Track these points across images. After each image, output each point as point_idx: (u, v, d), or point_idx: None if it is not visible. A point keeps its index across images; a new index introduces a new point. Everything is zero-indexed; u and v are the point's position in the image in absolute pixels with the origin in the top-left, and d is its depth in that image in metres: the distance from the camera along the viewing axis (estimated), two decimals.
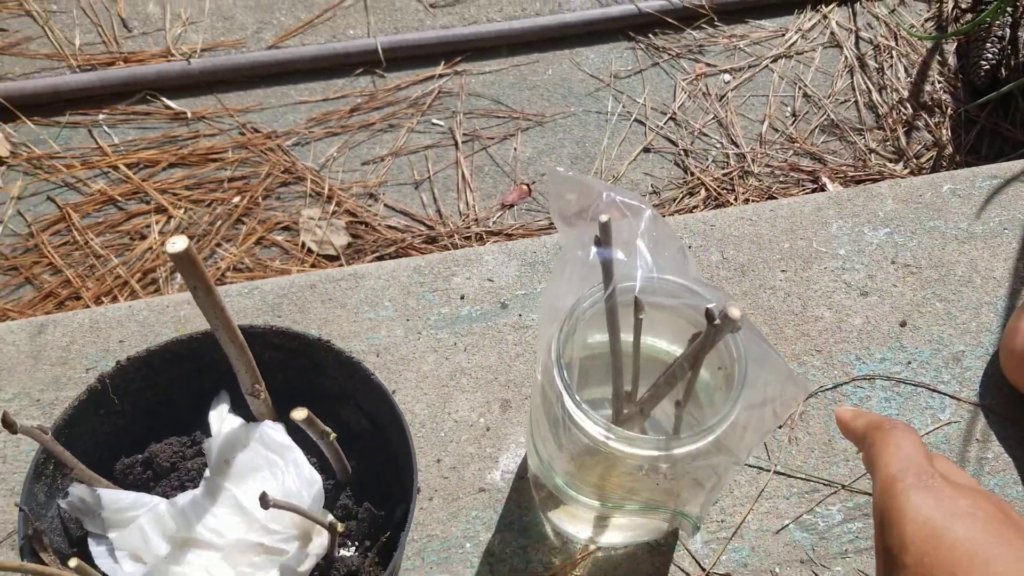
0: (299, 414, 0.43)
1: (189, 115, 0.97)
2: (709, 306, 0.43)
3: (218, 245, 0.90)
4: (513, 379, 0.70)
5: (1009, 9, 0.99)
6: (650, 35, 1.06)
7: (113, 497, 0.50)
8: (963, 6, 1.08)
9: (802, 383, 0.44)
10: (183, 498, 0.51)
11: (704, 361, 0.50)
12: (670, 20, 1.06)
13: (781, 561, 0.64)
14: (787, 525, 0.66)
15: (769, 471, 0.68)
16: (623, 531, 0.62)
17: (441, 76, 1.01)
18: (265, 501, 0.39)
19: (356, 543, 0.52)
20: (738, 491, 0.67)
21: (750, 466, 0.68)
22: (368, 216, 0.92)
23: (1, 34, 1.01)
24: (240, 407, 0.54)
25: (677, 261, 0.47)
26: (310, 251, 0.89)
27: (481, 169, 0.96)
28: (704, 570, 0.64)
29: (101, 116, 0.96)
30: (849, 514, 0.66)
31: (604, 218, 0.47)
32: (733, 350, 0.49)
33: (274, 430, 0.52)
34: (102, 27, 1.02)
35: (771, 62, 1.04)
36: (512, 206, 0.94)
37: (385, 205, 0.93)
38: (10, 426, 0.41)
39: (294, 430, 0.50)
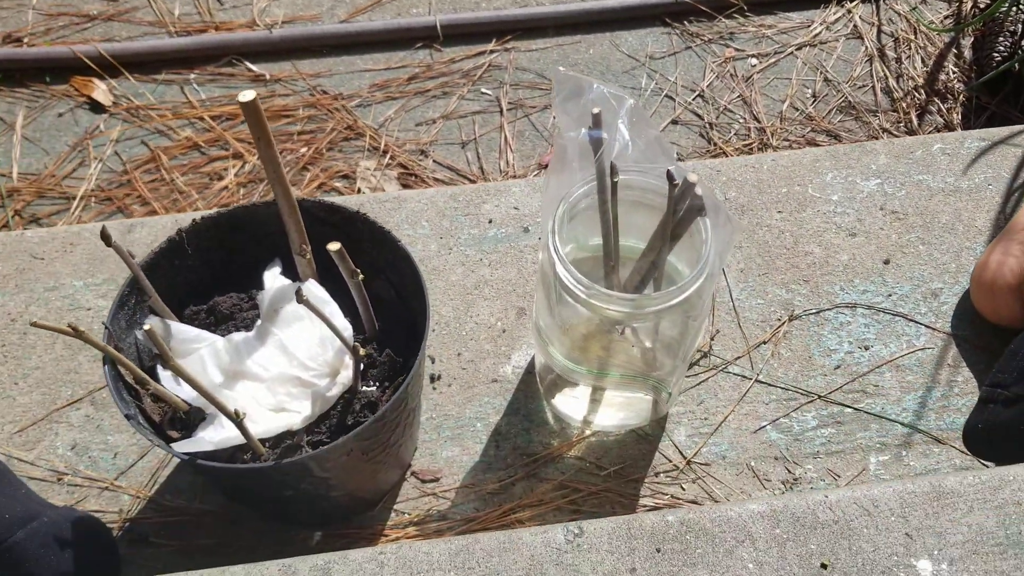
0: (333, 246, 0.53)
1: (268, 77, 1.10)
2: (669, 167, 0.52)
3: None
4: (529, 291, 0.79)
5: (1021, 4, 1.06)
6: (684, 22, 1.15)
7: (181, 329, 0.61)
8: (980, 6, 1.15)
9: (736, 223, 0.53)
10: (238, 337, 0.61)
11: (685, 253, 0.58)
12: (704, 8, 1.15)
13: (757, 456, 0.72)
14: (764, 426, 0.73)
15: (751, 379, 0.75)
16: (613, 411, 0.71)
17: (492, 52, 1.13)
18: (300, 295, 0.50)
19: (376, 383, 0.62)
20: (721, 395, 0.75)
21: (734, 374, 0.76)
22: (418, 169, 1.03)
23: (113, 4, 1.16)
24: (288, 272, 0.65)
25: (652, 145, 0.57)
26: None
27: (522, 134, 1.06)
28: (686, 459, 0.72)
29: (192, 75, 1.10)
30: (823, 421, 0.73)
31: (596, 110, 0.57)
32: (703, 232, 0.58)
33: (316, 287, 0.63)
34: (198, 0, 1.16)
35: (796, 50, 1.13)
36: (548, 166, 1.04)
37: (434, 160, 1.04)
38: (106, 238, 0.52)
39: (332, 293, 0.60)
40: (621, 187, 0.57)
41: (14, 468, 0.70)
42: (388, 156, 1.04)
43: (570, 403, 0.71)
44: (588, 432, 0.73)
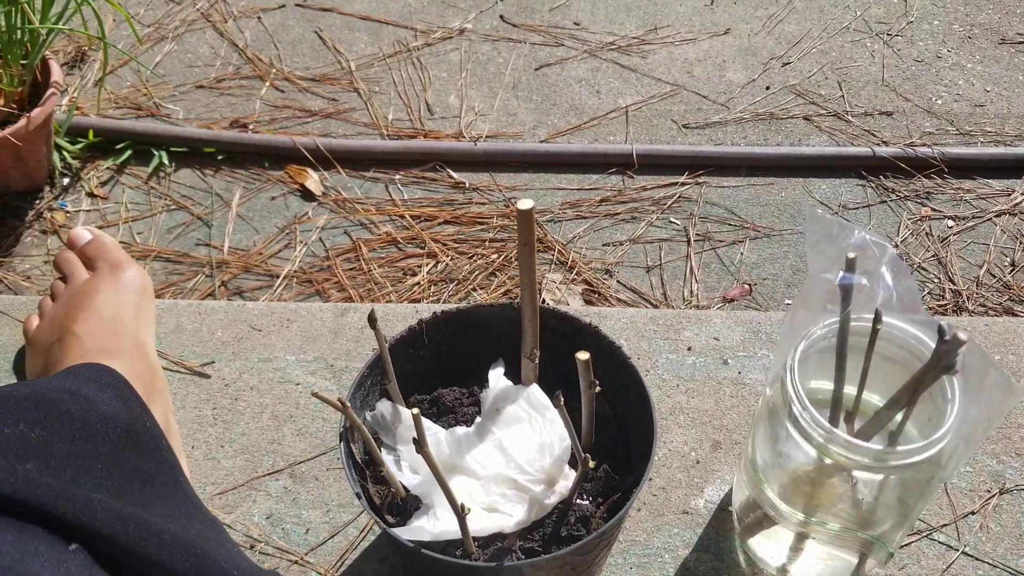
0: (583, 355, 0.54)
1: (467, 185, 1.15)
2: (942, 323, 0.51)
3: (473, 290, 1.05)
4: (726, 425, 0.78)
5: None
6: (881, 176, 1.15)
7: (408, 416, 0.63)
8: None
9: (1018, 390, 0.51)
10: (459, 431, 0.63)
11: (915, 410, 0.57)
12: (902, 165, 1.15)
13: None
14: None
15: (958, 551, 0.71)
16: (814, 563, 0.68)
17: (683, 184, 1.15)
18: (558, 400, 0.50)
19: (591, 498, 0.61)
20: (925, 562, 0.71)
21: (939, 542, 0.72)
22: (602, 287, 1.05)
23: (333, 103, 1.25)
24: (510, 375, 0.66)
25: (912, 293, 0.56)
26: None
27: (708, 265, 1.07)
28: None
29: (397, 176, 1.16)
30: None
31: (852, 255, 0.57)
32: (948, 392, 0.57)
33: (539, 393, 0.64)
34: (410, 108, 1.24)
35: (995, 216, 1.11)
36: (732, 300, 1.04)
37: (618, 281, 1.06)
38: (372, 321, 0.55)
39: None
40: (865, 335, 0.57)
41: None
42: (574, 271, 1.07)
43: (768, 548, 0.69)
44: None
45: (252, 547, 0.71)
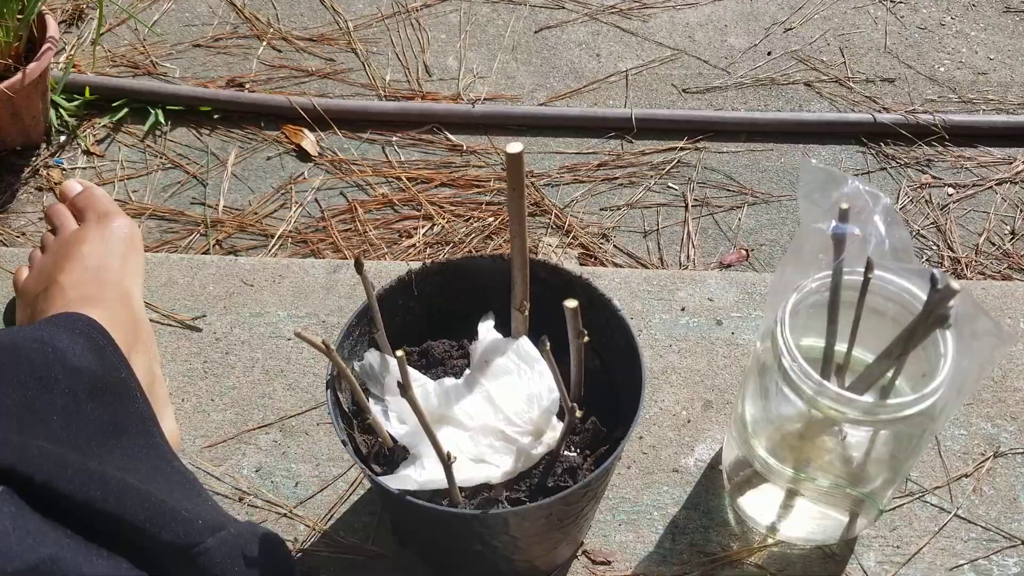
0: (571, 303, 0.54)
1: (464, 148, 1.14)
2: (934, 271, 0.50)
3: (469, 253, 1.04)
4: (718, 384, 0.78)
5: None
6: (881, 143, 1.14)
7: (396, 366, 0.62)
8: None
9: (1009, 337, 0.50)
10: (448, 382, 0.62)
11: (907, 365, 0.56)
12: (903, 132, 1.14)
13: None
14: (961, 565, 0.69)
15: (950, 513, 0.71)
16: (804, 522, 0.68)
17: (682, 149, 1.14)
18: (544, 345, 0.50)
19: (578, 449, 0.61)
20: (917, 524, 0.71)
21: (931, 504, 0.72)
22: (599, 252, 1.04)
23: (331, 63, 1.24)
24: (500, 327, 0.65)
25: (904, 243, 0.55)
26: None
27: (705, 231, 1.07)
28: None
29: (395, 138, 1.15)
30: None
31: (845, 204, 0.57)
32: (940, 346, 0.56)
33: (528, 345, 0.63)
34: (408, 70, 1.23)
35: (995, 184, 1.10)
36: (729, 266, 1.03)
37: (614, 246, 1.05)
38: (359, 266, 0.55)
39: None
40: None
41: (201, 480, 0.72)
42: (570, 236, 1.06)
43: (758, 506, 0.69)
44: (771, 540, 0.70)
45: (241, 499, 0.71)
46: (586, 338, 0.57)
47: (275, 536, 0.64)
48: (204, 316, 0.81)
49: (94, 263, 0.76)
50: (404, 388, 0.50)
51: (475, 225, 1.07)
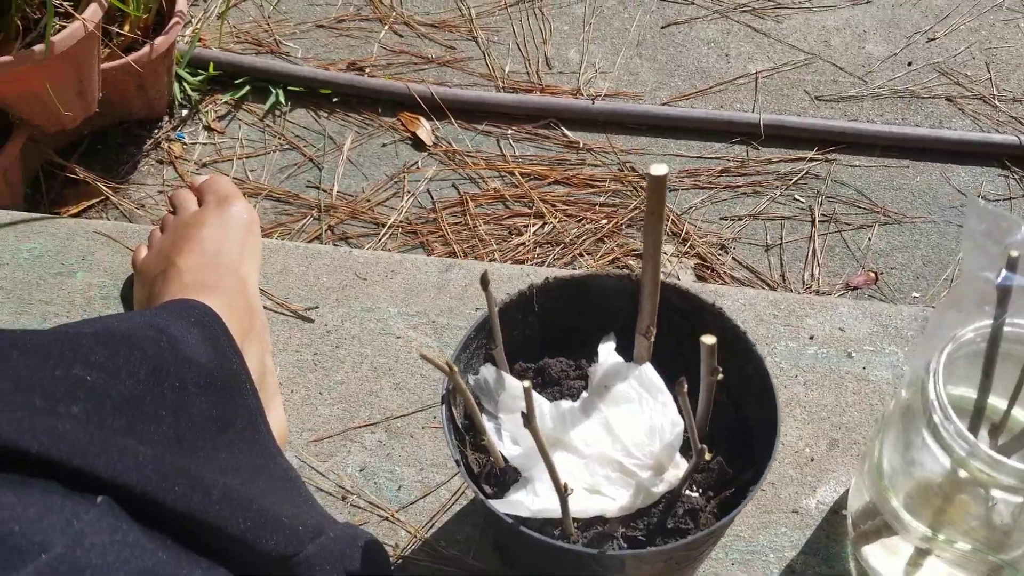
0: (708, 339, 0.51)
1: (580, 145, 1.11)
2: None
3: (579, 255, 1.01)
4: (845, 423, 0.73)
5: None
6: None
7: (513, 384, 0.60)
8: None
9: None
10: (564, 405, 0.60)
11: None
12: None
13: None
14: None
15: None
16: None
17: (812, 160, 1.09)
18: (680, 387, 0.47)
19: (701, 489, 0.58)
20: None
21: None
22: (716, 263, 1.00)
23: (451, 51, 1.22)
24: (620, 350, 0.62)
25: None
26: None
27: (832, 249, 1.01)
28: None
29: (510, 131, 1.13)
30: None
31: (1015, 252, 0.52)
32: None
33: (652, 372, 0.60)
34: (529, 61, 1.20)
35: None
36: (856, 288, 0.98)
37: (733, 258, 1.01)
38: (485, 284, 0.52)
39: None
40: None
41: (305, 475, 0.71)
42: (687, 244, 1.02)
43: (884, 559, 0.64)
44: None
45: (344, 498, 0.71)
46: (720, 376, 0.53)
47: (375, 541, 0.63)
48: (317, 307, 0.80)
49: (212, 248, 0.76)
50: (528, 418, 0.48)
51: (587, 227, 1.04)
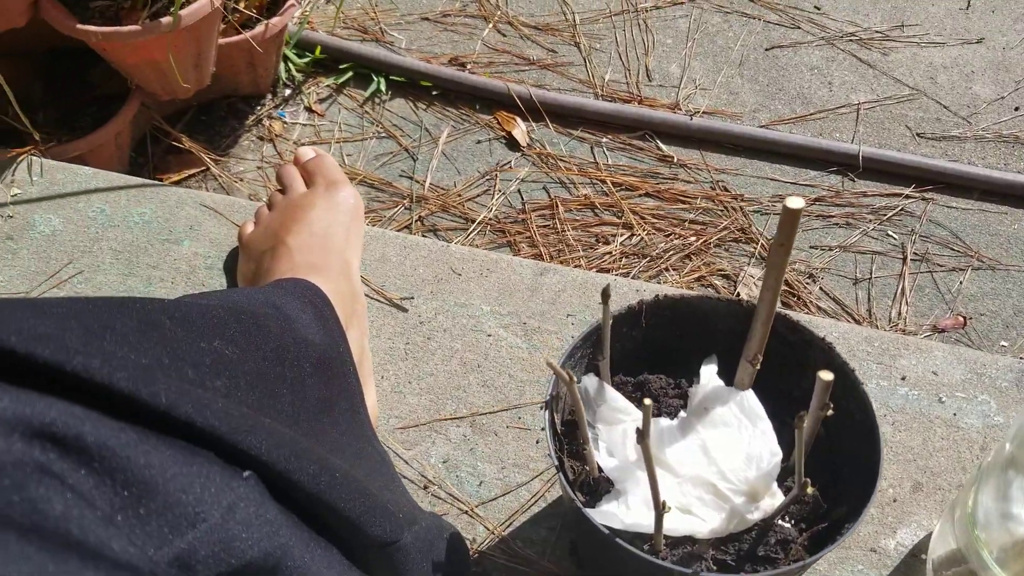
0: (826, 376, 0.51)
1: (675, 160, 1.11)
2: None
3: (665, 270, 1.01)
4: (931, 467, 0.73)
5: None
6: None
7: (614, 396, 0.61)
8: None
9: None
10: (662, 422, 0.60)
11: None
12: None
13: None
14: None
15: None
16: None
17: (908, 197, 1.07)
18: (800, 419, 0.47)
19: (793, 520, 0.58)
20: None
21: None
22: (803, 292, 1.00)
23: (552, 54, 1.23)
24: (722, 375, 0.63)
25: None
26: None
27: (922, 288, 1.00)
28: None
29: (604, 139, 1.14)
30: None
31: None
32: None
33: (754, 400, 0.60)
34: (629, 71, 1.21)
35: None
36: (943, 331, 0.97)
37: (821, 288, 1.00)
38: (606, 297, 0.53)
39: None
40: None
41: (391, 462, 0.73)
42: None
43: None
44: None
45: (426, 488, 0.72)
46: (830, 411, 0.53)
47: (458, 535, 0.64)
48: (412, 298, 0.82)
49: (320, 230, 0.77)
50: (642, 436, 0.48)
51: (675, 242, 1.04)
